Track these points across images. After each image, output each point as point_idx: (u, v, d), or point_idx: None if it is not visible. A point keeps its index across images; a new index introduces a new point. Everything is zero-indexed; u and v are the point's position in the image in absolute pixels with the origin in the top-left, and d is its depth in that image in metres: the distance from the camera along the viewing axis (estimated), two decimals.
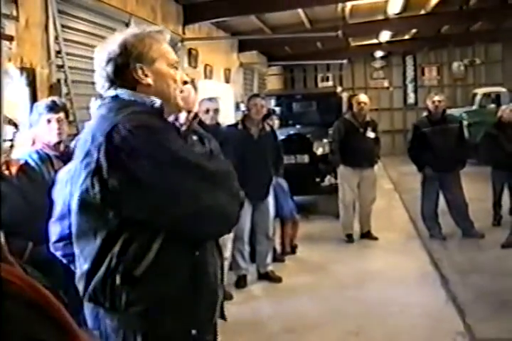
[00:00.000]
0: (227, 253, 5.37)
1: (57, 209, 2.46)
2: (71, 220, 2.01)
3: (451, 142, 7.22)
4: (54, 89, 4.93)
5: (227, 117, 9.62)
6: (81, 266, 1.92)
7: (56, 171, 3.12)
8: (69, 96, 5.15)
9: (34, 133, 3.56)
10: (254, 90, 13.96)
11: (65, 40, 5.26)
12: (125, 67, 1.97)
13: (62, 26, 5.20)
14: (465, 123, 11.11)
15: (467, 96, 17.91)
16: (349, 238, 7.57)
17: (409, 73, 19.99)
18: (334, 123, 7.82)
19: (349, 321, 4.82)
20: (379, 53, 19.08)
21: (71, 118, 4.56)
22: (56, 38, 5.06)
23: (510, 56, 18.63)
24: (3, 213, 2.61)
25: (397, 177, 13.15)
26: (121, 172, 1.78)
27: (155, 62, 2.00)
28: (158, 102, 1.96)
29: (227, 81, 11.81)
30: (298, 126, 10.07)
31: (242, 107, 9.85)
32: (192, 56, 9.26)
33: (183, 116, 2.20)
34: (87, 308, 2.00)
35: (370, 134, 7.56)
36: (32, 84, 4.58)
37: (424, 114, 7.80)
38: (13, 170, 3.24)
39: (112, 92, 1.99)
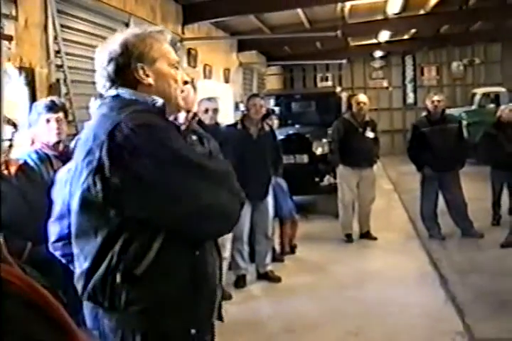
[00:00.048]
0: (227, 254, 5.37)
1: (57, 209, 2.46)
2: (70, 220, 2.01)
3: (450, 142, 7.22)
4: (53, 88, 4.93)
5: (227, 117, 9.63)
6: (81, 265, 1.91)
7: (55, 171, 3.13)
8: (68, 96, 5.15)
9: (33, 133, 3.56)
10: (254, 90, 13.96)
11: (65, 39, 5.26)
12: (126, 67, 1.97)
13: (62, 26, 5.20)
14: (464, 123, 11.10)
15: (466, 96, 17.92)
16: (348, 238, 7.57)
17: (409, 73, 20.00)
18: (333, 123, 7.82)
19: (348, 321, 4.82)
20: (378, 53, 19.07)
21: (70, 118, 4.57)
22: (55, 37, 5.06)
23: (509, 56, 18.63)
24: (3, 213, 2.61)
25: (397, 177, 13.15)
26: (123, 171, 1.78)
27: (156, 62, 2.01)
28: (160, 101, 1.96)
29: (227, 81, 11.81)
30: (297, 126, 10.06)
31: (242, 107, 9.83)
32: (191, 56, 9.26)
33: (182, 116, 2.20)
34: (87, 308, 2.00)
35: (370, 134, 7.56)
36: (31, 83, 4.58)
37: (424, 113, 7.80)
38: (12, 169, 3.23)
39: (113, 92, 1.99)
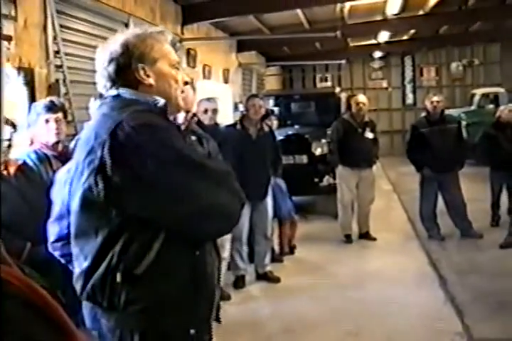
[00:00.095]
0: (226, 254, 5.36)
1: (56, 209, 2.46)
2: (69, 220, 2.00)
3: (449, 142, 7.22)
4: (52, 89, 4.92)
5: (226, 117, 9.63)
6: (80, 265, 1.91)
7: (54, 171, 3.13)
8: (67, 96, 5.15)
9: (32, 133, 3.56)
10: (253, 90, 13.97)
11: (64, 40, 5.26)
12: (127, 67, 1.98)
13: (61, 26, 5.20)
14: (463, 123, 11.09)
15: (466, 97, 17.93)
16: (348, 238, 7.57)
17: (408, 73, 19.99)
18: (333, 124, 7.82)
19: (348, 321, 4.82)
20: (377, 54, 19.08)
21: (69, 118, 4.57)
22: (55, 38, 5.06)
23: (508, 56, 18.63)
24: (2, 213, 2.61)
25: (396, 177, 13.15)
26: (125, 170, 1.78)
27: (157, 63, 2.01)
28: (161, 101, 1.97)
29: (226, 81, 11.82)
30: (296, 127, 10.07)
31: (241, 107, 9.84)
32: (190, 56, 9.26)
33: (181, 116, 2.20)
34: (86, 308, 2.00)
35: (369, 135, 7.56)
36: (30, 84, 4.58)
37: (423, 114, 7.79)
38: (12, 170, 3.23)
39: (114, 92, 2.00)
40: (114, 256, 1.82)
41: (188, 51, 9.12)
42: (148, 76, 1.99)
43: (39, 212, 2.73)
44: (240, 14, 9.60)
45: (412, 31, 16.12)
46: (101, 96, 2.09)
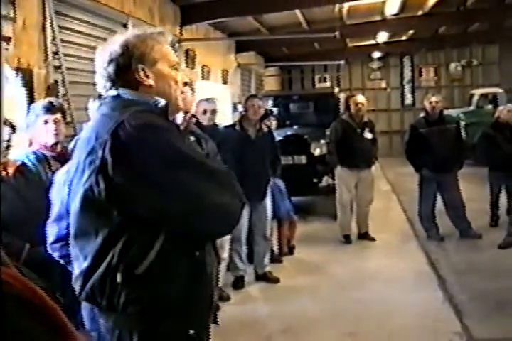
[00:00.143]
0: (225, 255, 5.36)
1: (55, 210, 2.46)
2: (68, 221, 2.00)
3: (448, 143, 7.22)
4: (51, 90, 4.92)
5: (225, 118, 9.63)
6: (80, 265, 1.91)
7: (53, 172, 3.13)
8: (66, 97, 5.15)
9: (31, 134, 3.57)
10: (252, 91, 13.98)
11: (63, 41, 5.25)
12: (127, 68, 1.98)
13: (60, 27, 5.20)
14: (462, 123, 11.07)
15: (464, 97, 17.94)
16: (347, 239, 7.57)
17: (407, 74, 20.00)
18: (332, 124, 7.82)
19: (347, 321, 4.82)
20: (376, 54, 19.10)
21: (68, 119, 4.57)
22: (53, 38, 5.05)
23: (507, 57, 18.65)
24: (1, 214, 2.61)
25: (395, 178, 13.14)
26: (126, 170, 1.79)
27: (157, 64, 2.01)
28: (162, 102, 1.97)
29: (225, 82, 11.82)
30: (295, 127, 10.07)
31: (240, 108, 9.86)
32: (189, 57, 9.26)
33: (180, 117, 2.21)
34: (85, 309, 2.00)
35: (368, 135, 7.56)
36: (29, 85, 4.58)
37: (422, 114, 7.80)
38: (10, 171, 3.23)
39: (114, 92, 1.99)
40: (115, 256, 1.82)
41: (186, 52, 9.12)
42: (148, 77, 1.99)
43: (38, 213, 2.74)
44: (239, 15, 9.61)
45: (411, 32, 16.13)
46: (100, 96, 2.09)
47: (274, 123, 8.04)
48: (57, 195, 2.46)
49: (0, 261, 0.90)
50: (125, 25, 6.55)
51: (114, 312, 1.87)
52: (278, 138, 7.32)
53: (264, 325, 4.86)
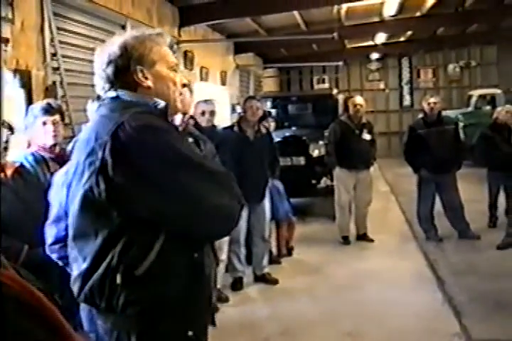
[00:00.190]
0: (223, 256, 5.36)
1: (53, 211, 2.46)
2: (67, 222, 2.00)
3: (446, 144, 7.22)
4: (49, 91, 4.92)
5: (223, 119, 9.63)
6: (79, 267, 1.90)
7: (52, 173, 3.13)
8: (65, 98, 5.14)
9: (29, 136, 3.56)
10: (250, 92, 13.98)
11: (61, 42, 5.25)
12: (125, 69, 1.97)
13: (58, 29, 5.20)
14: (461, 124, 11.12)
15: (463, 98, 17.95)
16: (345, 240, 7.57)
17: (405, 75, 20.02)
18: (330, 125, 7.83)
19: (346, 323, 4.82)
20: (375, 55, 19.11)
21: (67, 120, 4.56)
22: (52, 40, 5.05)
23: (505, 58, 18.66)
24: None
25: (393, 179, 13.15)
26: (126, 170, 1.79)
27: (155, 65, 2.01)
28: (162, 104, 1.97)
29: (223, 83, 11.82)
30: (294, 128, 10.07)
31: (238, 109, 9.86)
32: (188, 58, 9.26)
33: (178, 118, 2.21)
34: (83, 311, 2.00)
35: (366, 136, 7.56)
36: (27, 86, 4.57)
37: (420, 115, 7.81)
38: (9, 172, 3.23)
39: (113, 93, 1.99)
40: (115, 257, 1.81)
41: (185, 53, 9.13)
42: (146, 78, 1.99)
43: (36, 215, 2.73)
44: (237, 16, 9.61)
45: (409, 33, 16.13)
46: (99, 98, 2.09)
47: (272, 125, 8.04)
48: (56, 197, 2.45)
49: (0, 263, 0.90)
50: (123, 27, 6.55)
51: (113, 314, 1.87)
52: (276, 139, 7.32)
53: (262, 327, 4.86)
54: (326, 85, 19.58)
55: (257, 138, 5.83)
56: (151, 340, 1.91)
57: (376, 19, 13.55)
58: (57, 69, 5.14)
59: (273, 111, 10.53)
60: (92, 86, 2.08)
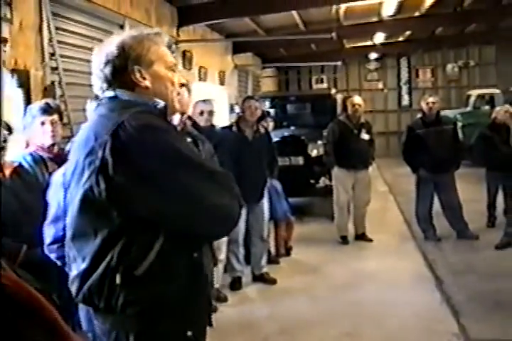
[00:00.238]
0: (222, 256, 5.36)
1: (52, 211, 2.46)
2: (65, 222, 2.00)
3: (445, 143, 7.23)
4: (48, 91, 4.92)
5: (222, 119, 9.63)
6: (78, 267, 1.89)
7: (50, 173, 3.13)
8: (63, 98, 5.14)
9: (28, 136, 3.56)
10: (249, 92, 13.98)
11: (59, 42, 5.25)
12: (123, 69, 1.97)
13: (56, 28, 5.19)
14: (459, 124, 11.14)
15: (461, 98, 17.96)
16: (344, 240, 7.58)
17: (404, 75, 20.03)
18: (329, 125, 7.83)
19: (344, 322, 4.82)
20: (373, 55, 19.12)
21: (65, 120, 4.56)
22: (50, 40, 5.05)
23: (504, 58, 18.68)
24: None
25: (392, 178, 13.16)
26: (127, 170, 1.78)
27: (153, 65, 2.01)
28: (161, 103, 1.96)
29: (222, 83, 11.82)
30: (292, 128, 10.06)
31: (237, 109, 9.85)
32: (186, 58, 9.25)
33: (176, 118, 2.20)
34: (82, 311, 2.00)
35: (365, 136, 7.56)
36: (26, 86, 4.57)
37: (419, 115, 7.81)
38: (7, 172, 3.23)
39: (111, 93, 1.99)
40: (114, 257, 1.81)
41: (183, 53, 9.12)
42: (144, 78, 1.98)
43: (35, 214, 2.74)
44: (236, 16, 9.61)
45: (408, 33, 16.14)
46: (97, 97, 2.09)
47: (271, 125, 8.04)
48: (54, 197, 2.46)
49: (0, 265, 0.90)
50: (122, 27, 6.55)
51: (112, 314, 1.86)
52: (275, 139, 7.32)
53: (261, 326, 4.86)
54: (325, 85, 19.60)
55: (256, 138, 5.83)
56: (151, 340, 1.91)
57: (375, 19, 13.55)
58: (56, 69, 5.13)
59: (271, 111, 10.52)
60: (91, 86, 2.07)
